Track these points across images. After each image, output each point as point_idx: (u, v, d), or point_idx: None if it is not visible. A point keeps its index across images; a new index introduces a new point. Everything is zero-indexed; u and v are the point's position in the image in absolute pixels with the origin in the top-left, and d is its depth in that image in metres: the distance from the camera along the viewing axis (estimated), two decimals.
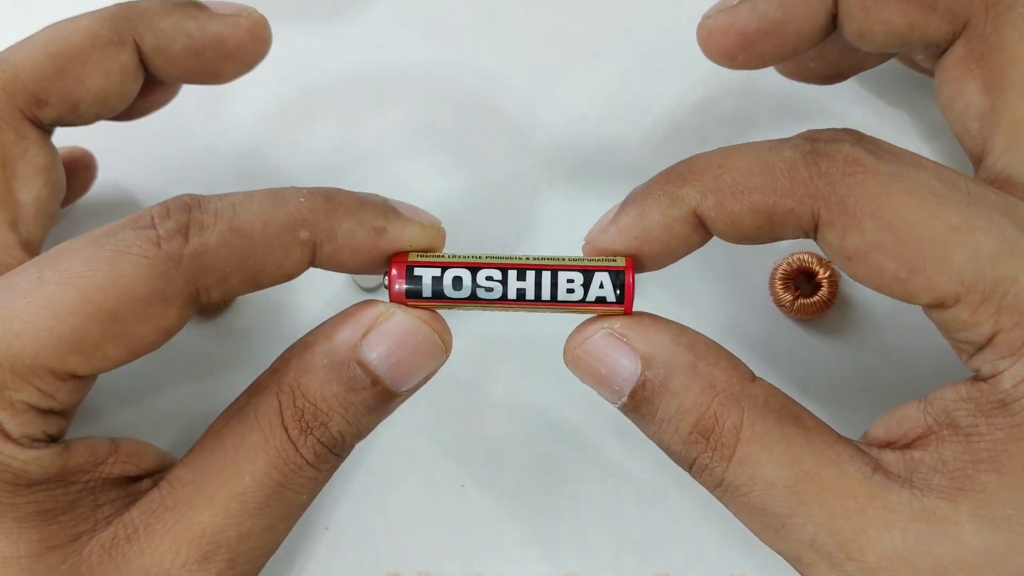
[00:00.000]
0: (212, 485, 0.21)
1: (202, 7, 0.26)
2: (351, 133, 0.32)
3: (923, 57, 0.28)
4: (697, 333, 0.22)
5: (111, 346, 0.20)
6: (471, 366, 0.29)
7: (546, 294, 0.22)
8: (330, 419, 0.21)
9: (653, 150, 0.32)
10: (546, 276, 0.22)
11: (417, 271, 0.22)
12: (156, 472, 0.23)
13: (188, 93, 0.30)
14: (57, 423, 0.21)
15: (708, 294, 0.30)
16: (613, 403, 0.22)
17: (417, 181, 0.32)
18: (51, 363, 0.20)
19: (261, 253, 0.21)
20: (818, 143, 0.21)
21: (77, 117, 0.26)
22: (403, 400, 0.23)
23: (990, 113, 0.24)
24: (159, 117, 0.29)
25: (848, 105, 0.32)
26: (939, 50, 0.25)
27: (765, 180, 0.21)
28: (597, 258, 0.22)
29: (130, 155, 0.31)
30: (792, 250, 0.30)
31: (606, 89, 0.33)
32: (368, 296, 0.30)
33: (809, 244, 0.30)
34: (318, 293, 0.30)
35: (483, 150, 0.32)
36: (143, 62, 0.26)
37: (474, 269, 0.22)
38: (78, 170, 0.30)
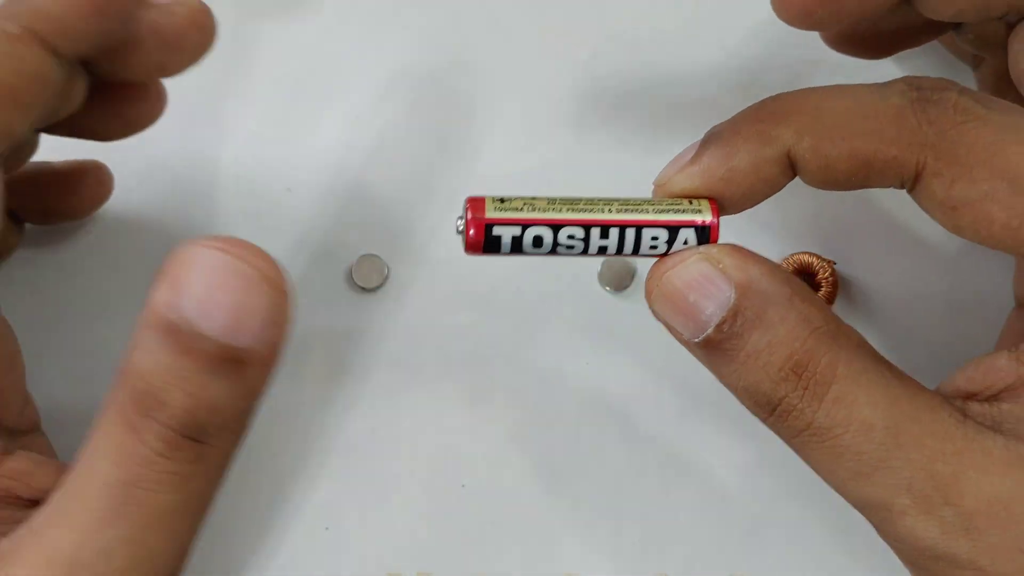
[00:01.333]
0: (68, 497, 0.18)
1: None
2: (351, 133, 0.32)
3: (973, 38, 0.27)
4: (789, 272, 0.21)
5: None
6: (472, 366, 0.29)
7: (628, 250, 0.21)
8: (168, 395, 0.18)
9: (653, 149, 0.32)
10: (630, 234, 0.21)
11: (496, 230, 0.20)
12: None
13: (185, 96, 0.29)
14: None
15: None
16: (691, 338, 0.21)
17: (416, 180, 0.31)
18: None
19: None
20: (924, 91, 0.20)
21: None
22: (268, 363, 0.19)
23: None
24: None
25: None
26: (1010, 25, 0.24)
27: (869, 125, 0.20)
28: (679, 203, 0.21)
29: (127, 153, 0.31)
30: (792, 250, 0.30)
31: (607, 89, 0.33)
32: (370, 296, 0.30)
33: (809, 244, 0.30)
34: (318, 293, 0.30)
35: (483, 150, 0.32)
36: (83, 62, 0.23)
37: (556, 227, 0.20)
38: (89, 184, 0.29)
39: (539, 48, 0.33)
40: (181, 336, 0.18)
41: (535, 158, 0.32)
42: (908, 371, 0.29)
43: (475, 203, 0.21)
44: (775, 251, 0.29)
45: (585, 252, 0.21)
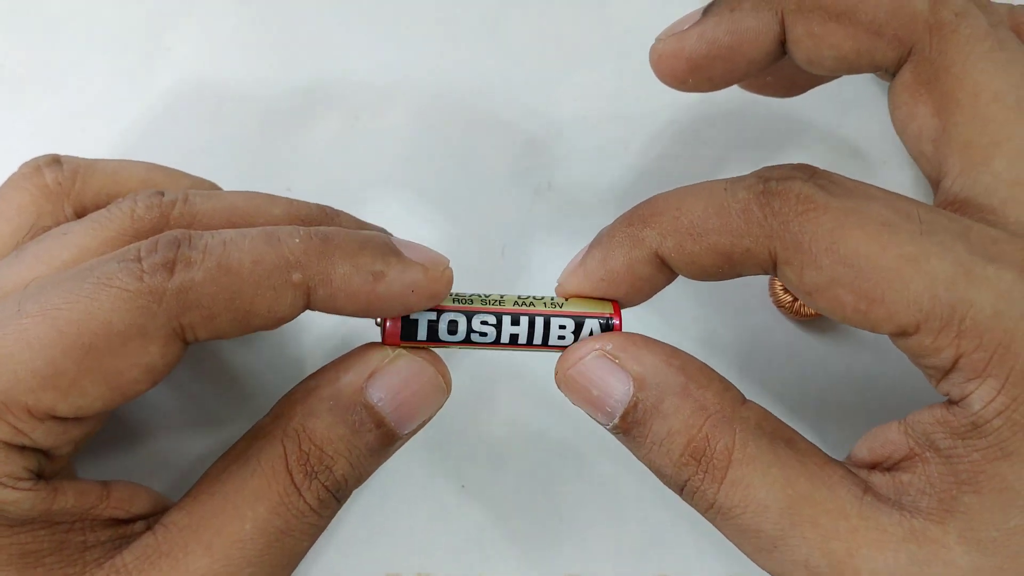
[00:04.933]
0: (210, 531, 0.21)
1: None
2: (351, 133, 0.32)
3: (882, 74, 0.28)
4: (688, 355, 0.22)
5: (89, 382, 0.19)
6: (472, 366, 0.29)
7: (538, 339, 0.23)
8: (335, 462, 0.21)
9: (652, 150, 0.32)
10: (539, 321, 0.22)
11: (413, 314, 0.22)
12: (149, 515, 0.22)
13: (185, 97, 0.30)
14: (38, 460, 0.20)
15: (708, 294, 0.30)
16: (604, 425, 0.22)
17: (415, 182, 0.32)
18: (24, 398, 0.19)
19: (250, 293, 0.20)
20: (771, 182, 0.21)
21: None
22: (403, 443, 0.23)
23: (942, 136, 0.24)
24: (157, 119, 0.29)
25: (846, 107, 0.32)
26: (889, 73, 0.25)
27: (721, 222, 0.21)
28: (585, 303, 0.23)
29: (128, 154, 0.31)
30: None
31: (606, 90, 0.33)
32: None
33: None
34: None
35: (483, 150, 0.32)
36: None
37: (469, 314, 0.22)
38: None
39: (539, 58, 0.33)
40: (361, 417, 0.22)
41: (534, 157, 0.32)
42: (907, 370, 0.29)
43: None
44: None
45: (497, 341, 0.22)
